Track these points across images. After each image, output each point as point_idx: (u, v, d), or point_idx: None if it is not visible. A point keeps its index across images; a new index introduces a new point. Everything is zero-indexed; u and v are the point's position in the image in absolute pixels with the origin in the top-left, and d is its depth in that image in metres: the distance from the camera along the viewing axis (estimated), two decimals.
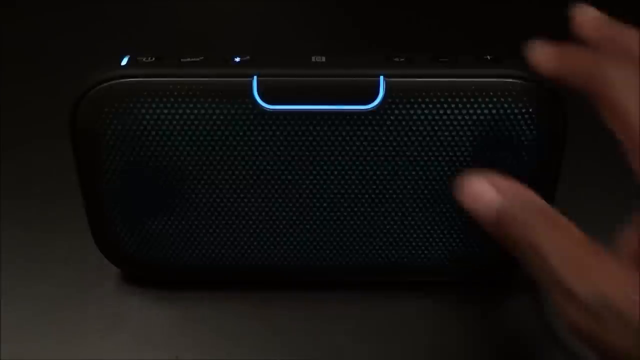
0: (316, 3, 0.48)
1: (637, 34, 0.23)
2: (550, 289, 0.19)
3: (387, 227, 0.30)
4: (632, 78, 0.20)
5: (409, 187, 0.28)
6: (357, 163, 0.28)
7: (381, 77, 0.26)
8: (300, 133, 0.27)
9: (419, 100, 0.26)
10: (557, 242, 0.19)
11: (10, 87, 0.42)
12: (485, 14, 0.44)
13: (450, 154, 0.27)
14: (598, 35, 0.24)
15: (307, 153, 0.27)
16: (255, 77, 0.26)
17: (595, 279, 0.18)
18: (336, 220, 0.29)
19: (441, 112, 0.26)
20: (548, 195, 0.28)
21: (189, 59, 0.27)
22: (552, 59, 0.23)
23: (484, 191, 0.22)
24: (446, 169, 0.28)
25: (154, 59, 0.27)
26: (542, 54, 0.23)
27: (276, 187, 0.28)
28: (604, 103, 0.21)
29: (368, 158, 0.28)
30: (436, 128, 0.27)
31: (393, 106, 0.26)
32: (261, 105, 0.26)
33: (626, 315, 0.17)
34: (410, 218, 0.29)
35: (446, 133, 0.27)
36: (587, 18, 0.25)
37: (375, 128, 0.27)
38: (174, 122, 0.27)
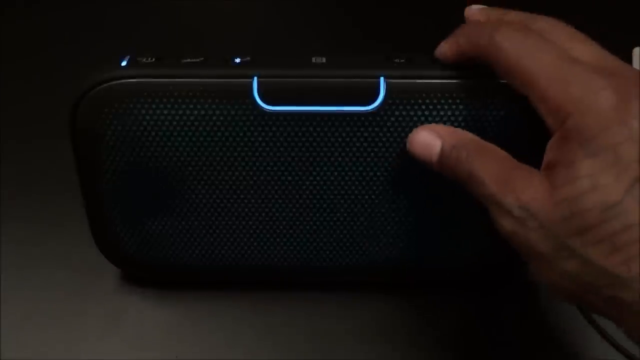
0: (316, 3, 0.48)
1: (519, 12, 0.26)
2: (488, 207, 0.23)
3: (387, 227, 0.30)
4: (516, 37, 0.23)
5: (409, 187, 0.28)
6: (357, 164, 0.28)
7: (381, 78, 0.26)
8: (300, 134, 0.27)
9: (419, 101, 0.26)
10: (487, 166, 0.23)
11: (11, 87, 0.41)
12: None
13: None
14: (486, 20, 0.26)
15: (307, 154, 0.27)
16: (255, 78, 0.26)
17: (517, 191, 0.22)
18: (336, 221, 0.29)
19: (441, 113, 0.26)
20: None
21: (189, 60, 0.27)
22: (451, 43, 0.26)
23: (426, 138, 0.25)
24: None
25: (154, 59, 0.27)
26: (443, 45, 0.26)
27: (276, 187, 0.28)
28: (501, 66, 0.23)
29: (368, 159, 0.28)
30: None
31: (393, 107, 0.26)
32: (261, 106, 0.26)
33: (542, 217, 0.21)
34: (410, 219, 0.29)
35: None
36: (474, 12, 0.27)
37: (376, 129, 0.27)
38: (174, 123, 0.27)
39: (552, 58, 0.22)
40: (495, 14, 0.26)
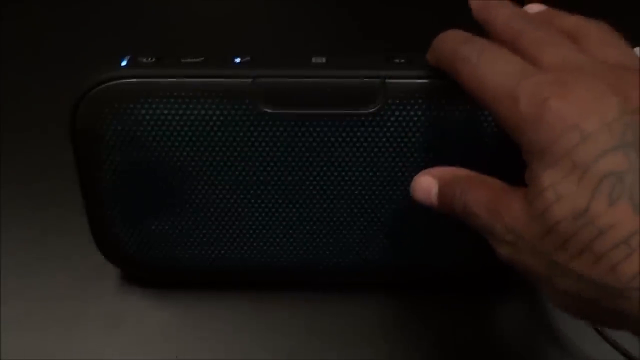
0: (316, 3, 0.48)
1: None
2: (485, 237, 0.23)
3: (387, 228, 0.30)
4: (471, 58, 0.23)
5: (408, 187, 0.28)
6: (357, 164, 0.28)
7: (381, 79, 0.26)
8: (300, 134, 0.27)
9: (419, 101, 0.26)
10: (478, 197, 0.23)
11: (10, 87, 0.41)
12: None
13: (450, 155, 0.27)
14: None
15: (306, 154, 0.27)
16: (255, 78, 0.26)
17: (503, 216, 0.22)
18: (336, 221, 0.29)
19: (441, 113, 0.26)
20: None
21: (189, 60, 0.27)
22: (429, 55, 0.26)
23: (424, 182, 0.25)
24: None
25: (154, 59, 0.27)
26: (427, 56, 0.26)
27: (276, 188, 0.28)
28: (464, 88, 0.23)
29: (368, 159, 0.28)
30: (436, 129, 0.27)
31: (393, 107, 0.26)
32: (261, 107, 0.26)
33: (527, 237, 0.21)
34: (409, 219, 0.29)
35: (446, 134, 0.27)
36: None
37: (376, 129, 0.27)
38: (174, 123, 0.27)
39: (503, 77, 0.22)
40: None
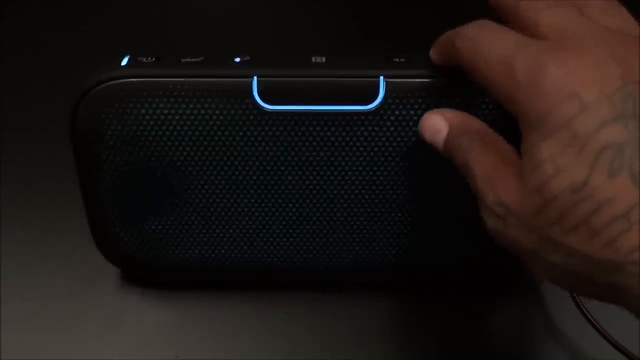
0: (316, 3, 0.48)
1: None
2: (477, 200, 0.22)
3: (387, 227, 0.30)
4: (468, 35, 0.23)
5: (408, 187, 0.28)
6: (357, 163, 0.28)
7: (381, 78, 0.26)
8: (300, 133, 0.27)
9: (419, 100, 0.26)
10: (481, 159, 0.22)
11: (10, 87, 0.42)
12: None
13: None
14: None
15: (306, 153, 0.27)
16: (255, 78, 0.26)
17: (496, 188, 0.21)
18: (336, 221, 0.29)
19: None
20: None
21: (189, 59, 0.27)
22: (432, 52, 0.26)
23: (435, 122, 0.24)
24: (446, 169, 0.28)
25: (154, 59, 0.27)
26: (431, 53, 0.26)
27: (275, 187, 0.28)
28: (464, 68, 0.23)
29: (368, 158, 0.28)
30: None
31: (393, 107, 0.26)
32: (261, 106, 0.26)
33: (519, 213, 0.20)
34: (409, 218, 0.29)
35: None
36: None
37: (375, 128, 0.27)
38: (174, 122, 0.27)
39: (500, 49, 0.21)
40: None
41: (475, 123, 0.24)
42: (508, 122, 0.26)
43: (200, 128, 0.27)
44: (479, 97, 0.26)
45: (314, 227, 0.30)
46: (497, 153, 0.22)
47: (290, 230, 0.30)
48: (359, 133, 0.27)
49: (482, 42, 0.22)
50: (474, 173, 0.22)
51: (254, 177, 0.28)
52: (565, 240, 0.19)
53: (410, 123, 0.27)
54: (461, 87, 0.26)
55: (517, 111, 0.20)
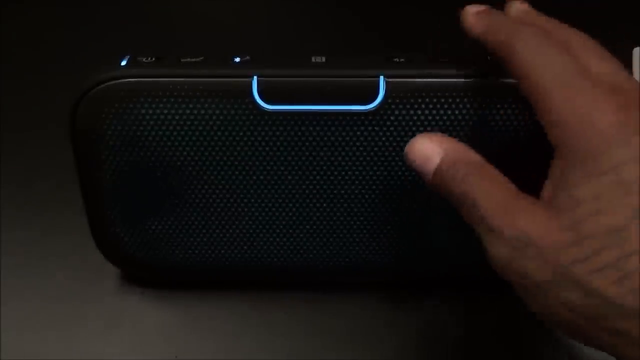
0: (316, 3, 0.48)
1: (548, 18, 0.25)
2: (479, 231, 0.21)
3: (387, 227, 0.30)
4: (533, 42, 0.22)
5: (408, 187, 0.28)
6: (357, 163, 0.28)
7: (381, 78, 0.26)
8: (300, 133, 0.27)
9: (419, 100, 0.26)
10: (486, 191, 0.21)
11: (10, 87, 0.41)
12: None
13: None
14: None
15: (306, 153, 0.27)
16: (255, 77, 0.26)
17: (516, 218, 0.20)
18: (336, 220, 0.29)
19: (441, 112, 0.26)
20: None
21: (189, 59, 0.27)
22: (478, 21, 0.25)
23: (427, 149, 0.23)
24: None
25: (154, 59, 0.27)
26: (472, 18, 0.25)
27: (276, 187, 0.28)
28: (512, 68, 0.22)
29: (368, 158, 0.28)
30: (436, 128, 0.27)
31: (393, 106, 0.26)
32: (261, 106, 0.26)
33: (543, 245, 0.20)
34: (409, 218, 0.29)
35: (446, 133, 0.27)
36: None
37: (375, 128, 0.27)
38: (174, 122, 0.27)
39: (564, 70, 0.21)
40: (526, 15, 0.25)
41: (471, 153, 0.23)
42: (511, 122, 0.26)
43: (200, 128, 0.27)
44: (480, 97, 0.26)
45: (314, 227, 0.30)
46: (501, 184, 0.22)
47: (290, 230, 0.30)
48: (359, 133, 0.27)
49: (547, 57, 0.21)
50: (480, 204, 0.21)
51: (254, 177, 0.28)
52: (588, 279, 0.19)
53: (410, 123, 0.27)
54: (461, 86, 0.26)
55: (563, 141, 0.20)
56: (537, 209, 0.21)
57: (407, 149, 0.24)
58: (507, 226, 0.21)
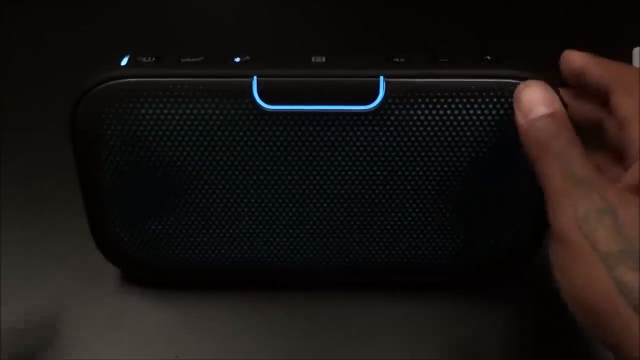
0: (316, 3, 0.48)
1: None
2: (563, 185, 0.22)
3: (387, 227, 0.30)
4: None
5: (408, 187, 0.28)
6: (357, 163, 0.28)
7: (381, 78, 0.26)
8: (300, 133, 0.27)
9: (419, 100, 0.26)
10: (578, 153, 0.22)
11: (10, 87, 0.42)
12: (487, 13, 0.44)
13: (450, 153, 0.27)
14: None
15: (306, 153, 0.27)
16: (255, 77, 0.26)
17: (609, 189, 0.21)
18: (336, 220, 0.29)
19: (441, 112, 0.26)
20: None
21: (189, 59, 0.27)
22: (586, 59, 0.26)
23: (542, 97, 0.24)
24: (446, 169, 0.28)
25: (154, 59, 0.27)
26: (575, 53, 0.27)
27: (276, 187, 0.28)
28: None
29: (368, 158, 0.28)
30: (436, 128, 0.27)
31: (393, 106, 0.26)
32: (261, 106, 0.26)
33: (625, 217, 0.21)
34: (410, 218, 0.29)
35: (446, 133, 0.27)
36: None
37: (375, 128, 0.27)
38: (174, 122, 0.27)
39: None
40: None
41: (571, 127, 0.24)
42: (511, 122, 0.26)
43: (200, 128, 0.27)
44: (480, 97, 0.26)
45: (314, 227, 0.29)
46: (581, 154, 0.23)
47: (290, 230, 0.30)
48: (358, 133, 0.27)
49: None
50: (575, 165, 0.22)
51: (254, 177, 0.28)
52: None
53: (410, 123, 0.27)
54: (461, 86, 0.26)
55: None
56: (622, 187, 0.22)
57: (523, 86, 0.25)
58: (599, 189, 0.21)
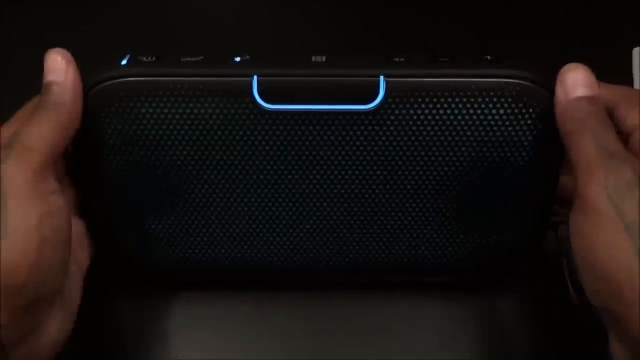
0: (316, 3, 0.48)
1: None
2: (596, 158, 0.23)
3: (387, 227, 0.30)
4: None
5: (408, 186, 0.28)
6: (357, 162, 0.28)
7: (381, 77, 0.26)
8: (300, 132, 0.27)
9: (419, 100, 0.26)
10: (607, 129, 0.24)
11: (11, 87, 0.41)
12: (487, 13, 0.44)
13: (450, 153, 0.27)
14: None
15: (307, 152, 0.27)
16: (255, 77, 0.26)
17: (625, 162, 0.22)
18: (336, 220, 0.29)
19: (441, 112, 0.26)
20: (548, 193, 0.28)
21: (189, 59, 0.27)
22: (607, 88, 0.26)
23: (585, 79, 0.25)
24: (446, 168, 0.28)
25: (154, 58, 0.27)
26: (593, 80, 0.26)
27: (276, 186, 0.28)
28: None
29: (368, 158, 0.28)
30: (436, 128, 0.27)
31: (393, 106, 0.26)
32: (261, 105, 0.26)
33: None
34: (410, 218, 0.29)
35: (446, 133, 0.27)
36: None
37: (375, 128, 0.27)
38: (174, 122, 0.27)
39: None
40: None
41: (604, 114, 0.25)
42: (511, 122, 0.26)
43: (200, 127, 0.27)
44: (480, 96, 0.26)
45: (314, 226, 0.29)
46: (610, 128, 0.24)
47: (290, 230, 0.30)
48: (358, 132, 0.27)
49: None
50: (609, 142, 0.23)
51: (254, 177, 0.28)
52: None
53: (410, 123, 0.27)
54: (461, 86, 0.26)
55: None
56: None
57: (569, 67, 0.25)
58: (632, 163, 0.22)
